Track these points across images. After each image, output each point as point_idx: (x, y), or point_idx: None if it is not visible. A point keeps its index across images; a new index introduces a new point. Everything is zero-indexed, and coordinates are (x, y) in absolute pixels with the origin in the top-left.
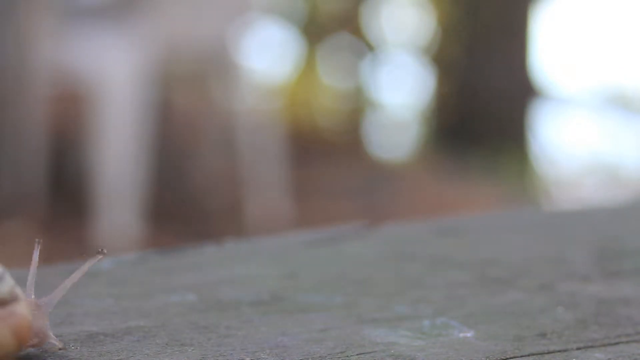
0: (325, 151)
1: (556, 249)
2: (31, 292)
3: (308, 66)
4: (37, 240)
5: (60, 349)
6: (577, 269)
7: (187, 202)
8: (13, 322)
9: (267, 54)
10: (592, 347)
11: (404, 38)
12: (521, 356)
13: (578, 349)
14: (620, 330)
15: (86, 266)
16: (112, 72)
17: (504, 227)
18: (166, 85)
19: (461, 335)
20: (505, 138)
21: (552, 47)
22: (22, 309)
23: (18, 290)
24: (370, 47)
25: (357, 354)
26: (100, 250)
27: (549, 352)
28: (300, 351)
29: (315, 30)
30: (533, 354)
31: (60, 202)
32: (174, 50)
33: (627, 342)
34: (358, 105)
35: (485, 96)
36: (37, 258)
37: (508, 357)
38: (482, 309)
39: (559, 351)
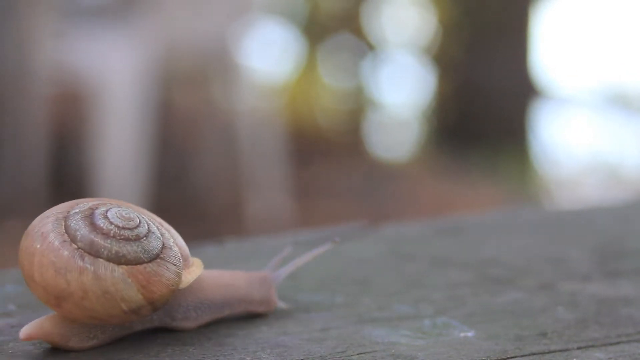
0: (325, 151)
1: (556, 249)
2: (270, 267)
3: (309, 66)
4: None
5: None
6: (578, 269)
7: (187, 201)
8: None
9: (268, 54)
10: (592, 346)
11: (404, 37)
12: (522, 356)
13: (579, 348)
14: (620, 329)
15: (319, 250)
16: (113, 72)
17: (504, 227)
18: (167, 84)
19: (462, 334)
20: (505, 137)
21: (553, 47)
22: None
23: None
24: (371, 47)
25: (357, 354)
26: (335, 239)
27: (549, 352)
28: (301, 351)
29: (316, 30)
30: (534, 354)
31: (60, 201)
32: (175, 50)
33: (628, 341)
34: (359, 105)
35: (485, 95)
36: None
37: (509, 356)
38: (483, 308)
39: (560, 351)
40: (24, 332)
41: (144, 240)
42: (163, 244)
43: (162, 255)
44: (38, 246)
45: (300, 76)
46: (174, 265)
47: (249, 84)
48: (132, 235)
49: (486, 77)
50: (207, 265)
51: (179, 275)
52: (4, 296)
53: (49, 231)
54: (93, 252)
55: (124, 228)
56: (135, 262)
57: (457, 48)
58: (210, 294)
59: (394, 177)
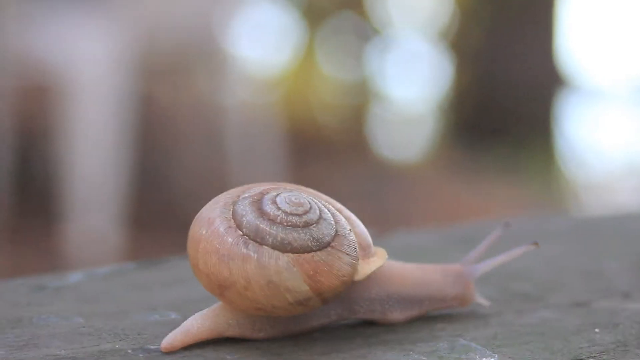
0: (326, 150)
1: (590, 261)
2: (469, 259)
3: (307, 54)
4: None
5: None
6: (616, 284)
7: (169, 206)
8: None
9: (261, 41)
10: None
11: (416, 21)
12: None
13: None
14: None
15: (518, 251)
16: (85, 62)
17: (530, 236)
18: (146, 76)
19: (484, 359)
20: (529, 134)
21: (582, 33)
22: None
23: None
24: (377, 31)
25: None
26: (534, 242)
27: None
28: None
29: (315, 13)
30: None
31: (26, 206)
32: (155, 37)
33: None
34: (363, 99)
35: (507, 87)
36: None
37: None
38: (507, 329)
39: None
40: (165, 343)
41: (314, 227)
42: (336, 232)
43: (333, 244)
44: (204, 232)
45: (298, 66)
46: (348, 254)
47: (239, 75)
48: (300, 222)
49: (508, 66)
50: (191, 280)
51: (353, 266)
52: None
53: (215, 217)
54: (258, 238)
55: (291, 214)
56: (303, 250)
57: (476, 34)
58: (398, 288)
59: (404, 180)
